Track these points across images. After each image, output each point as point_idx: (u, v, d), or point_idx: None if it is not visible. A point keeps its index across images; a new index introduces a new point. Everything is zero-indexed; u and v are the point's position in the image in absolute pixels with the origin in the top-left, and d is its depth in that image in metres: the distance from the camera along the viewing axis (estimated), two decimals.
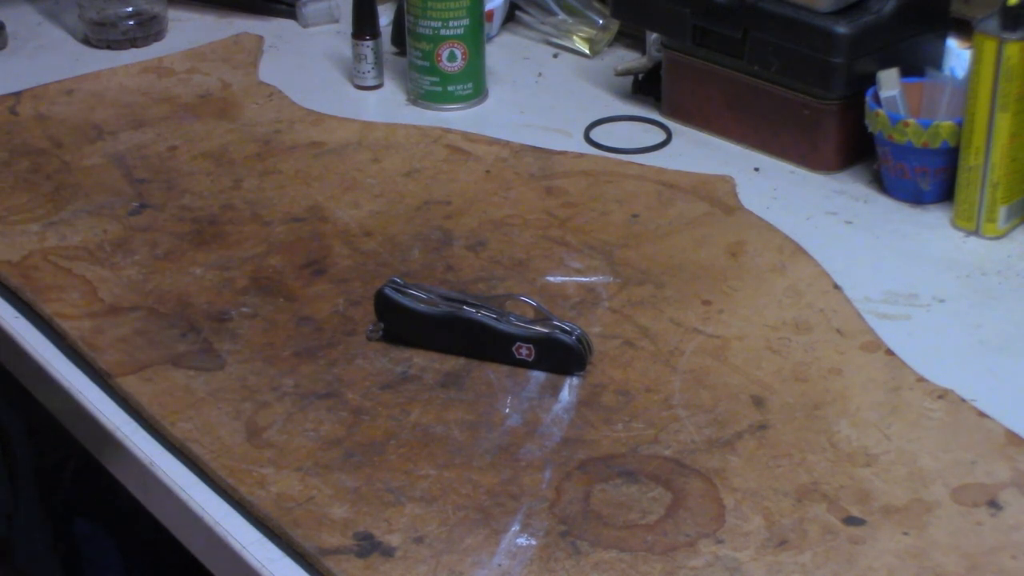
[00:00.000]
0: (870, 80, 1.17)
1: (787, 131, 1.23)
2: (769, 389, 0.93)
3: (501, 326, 0.95)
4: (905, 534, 0.81)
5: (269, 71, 1.42)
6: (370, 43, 1.37)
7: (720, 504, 0.84)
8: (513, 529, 0.82)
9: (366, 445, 0.89)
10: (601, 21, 1.45)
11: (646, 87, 1.35)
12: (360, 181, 1.21)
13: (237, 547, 0.83)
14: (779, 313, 1.01)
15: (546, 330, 0.95)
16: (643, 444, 0.88)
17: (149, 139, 1.28)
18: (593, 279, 1.06)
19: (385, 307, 0.98)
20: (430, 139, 1.28)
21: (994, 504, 0.83)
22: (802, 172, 1.22)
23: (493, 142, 1.27)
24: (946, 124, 1.12)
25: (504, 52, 1.46)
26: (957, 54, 1.23)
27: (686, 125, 1.30)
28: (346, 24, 1.43)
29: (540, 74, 1.42)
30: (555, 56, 1.45)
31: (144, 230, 1.13)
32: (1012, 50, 1.05)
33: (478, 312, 0.96)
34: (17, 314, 1.05)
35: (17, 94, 1.36)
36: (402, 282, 0.98)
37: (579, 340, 0.95)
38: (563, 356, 0.95)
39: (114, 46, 1.47)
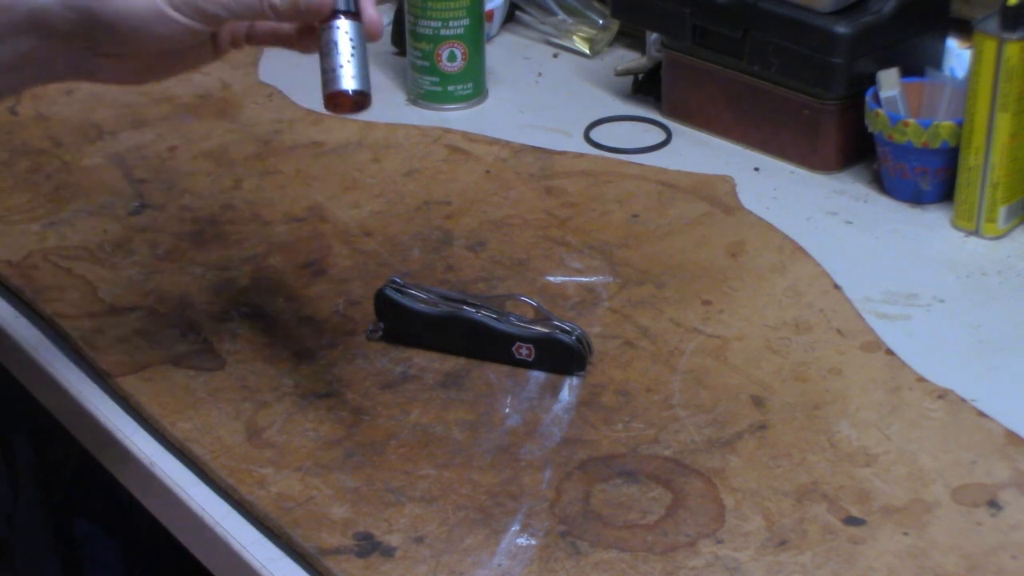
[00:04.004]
0: (870, 80, 1.17)
1: (787, 131, 1.23)
2: (769, 389, 0.93)
3: (501, 326, 0.95)
4: (905, 534, 0.81)
5: (269, 71, 1.42)
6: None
7: (720, 504, 0.84)
8: (513, 529, 0.82)
9: (366, 445, 0.89)
10: (601, 21, 1.45)
11: (646, 87, 1.35)
12: (360, 181, 1.21)
13: (237, 547, 0.83)
14: (779, 313, 1.01)
15: (546, 330, 0.95)
16: (643, 444, 0.88)
17: (149, 139, 1.28)
18: (593, 279, 1.06)
19: (385, 307, 0.98)
20: (430, 139, 1.28)
21: (994, 504, 0.83)
22: (802, 172, 1.22)
23: (493, 142, 1.27)
24: (946, 124, 1.12)
25: (504, 52, 1.46)
26: (957, 54, 1.23)
27: (686, 125, 1.30)
28: None
29: (540, 74, 1.42)
30: (555, 56, 1.45)
31: (144, 230, 1.13)
32: (1012, 50, 1.05)
33: (478, 312, 0.96)
34: (17, 314, 1.05)
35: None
36: (402, 282, 0.98)
37: (579, 340, 0.95)
38: (563, 356, 0.95)
39: None
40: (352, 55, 0.82)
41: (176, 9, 0.81)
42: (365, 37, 0.84)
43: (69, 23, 0.80)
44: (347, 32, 0.83)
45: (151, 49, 0.83)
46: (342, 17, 0.83)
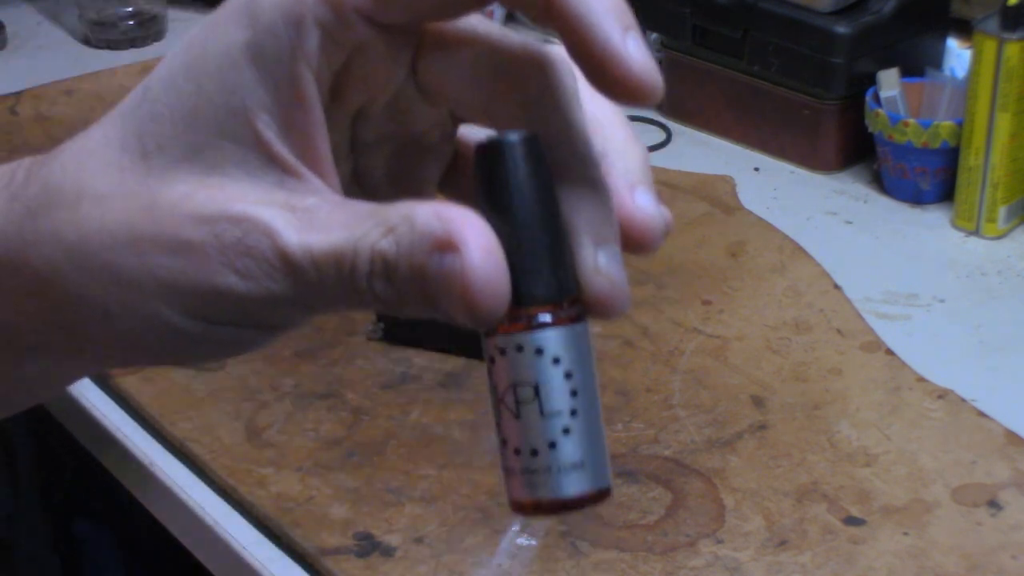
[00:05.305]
0: (870, 80, 1.17)
1: (787, 131, 1.23)
2: (769, 389, 0.93)
3: None
4: (905, 534, 0.81)
5: None
6: None
7: (720, 504, 0.84)
8: (513, 529, 0.82)
9: (366, 445, 0.89)
10: None
11: None
12: None
13: (237, 547, 0.83)
14: (779, 313, 1.01)
15: None
16: (643, 444, 0.88)
17: None
18: None
19: None
20: None
21: (994, 504, 0.83)
22: (802, 172, 1.22)
23: None
24: (946, 124, 1.12)
25: None
26: (957, 54, 1.24)
27: (686, 125, 1.30)
28: None
29: None
30: None
31: None
32: (1012, 50, 1.05)
33: None
34: None
35: (17, 94, 1.36)
36: None
37: None
38: None
39: (114, 46, 1.47)
40: (571, 408, 0.38)
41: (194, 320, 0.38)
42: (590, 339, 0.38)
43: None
44: (558, 356, 0.38)
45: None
46: (544, 322, 0.38)
